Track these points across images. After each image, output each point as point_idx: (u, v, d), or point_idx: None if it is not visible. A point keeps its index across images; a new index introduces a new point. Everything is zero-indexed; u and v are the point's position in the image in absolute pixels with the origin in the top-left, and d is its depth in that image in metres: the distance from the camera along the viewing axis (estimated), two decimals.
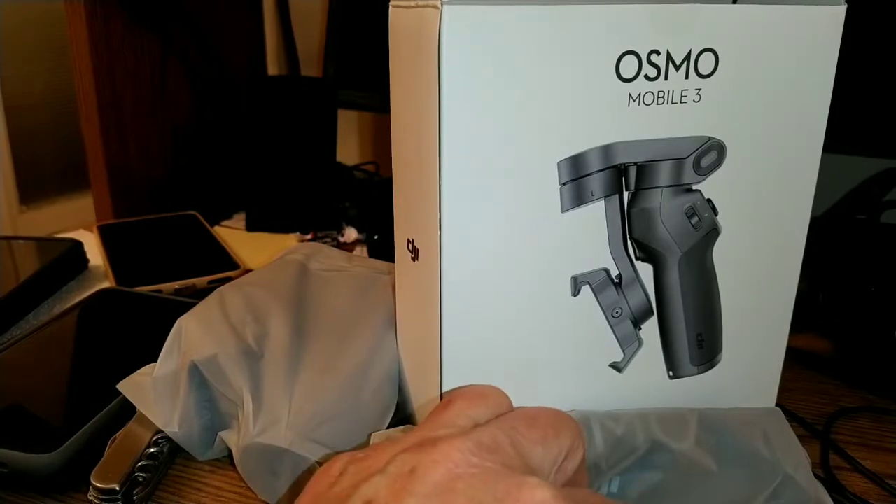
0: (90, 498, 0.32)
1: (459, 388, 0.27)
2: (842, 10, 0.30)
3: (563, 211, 0.28)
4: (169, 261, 0.59)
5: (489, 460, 0.21)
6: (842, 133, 0.47)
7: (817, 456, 0.36)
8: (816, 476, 0.33)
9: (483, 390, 0.25)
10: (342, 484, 0.20)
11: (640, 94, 0.28)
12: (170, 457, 0.35)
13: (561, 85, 0.26)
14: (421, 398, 0.33)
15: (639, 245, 0.30)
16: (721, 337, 0.33)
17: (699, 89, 0.28)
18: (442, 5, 0.24)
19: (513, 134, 0.26)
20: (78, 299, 0.50)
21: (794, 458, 0.30)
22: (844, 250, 0.50)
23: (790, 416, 0.38)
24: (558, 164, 0.27)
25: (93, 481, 0.31)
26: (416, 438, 0.22)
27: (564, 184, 0.28)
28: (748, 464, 0.30)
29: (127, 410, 0.35)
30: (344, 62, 0.78)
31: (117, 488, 0.31)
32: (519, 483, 0.20)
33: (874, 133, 0.54)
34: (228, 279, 0.54)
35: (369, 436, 0.32)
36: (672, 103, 0.28)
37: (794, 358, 0.44)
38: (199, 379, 0.33)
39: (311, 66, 0.91)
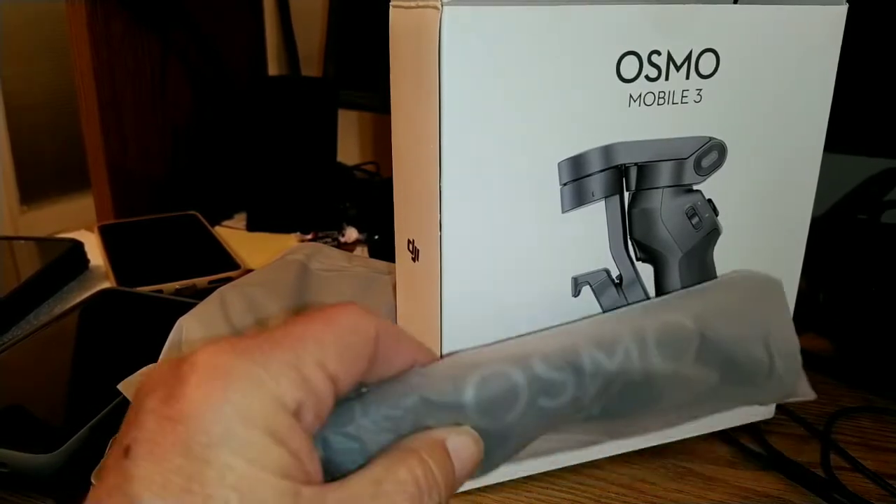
0: None
1: None
2: (843, 10, 0.30)
3: (563, 211, 0.28)
4: (169, 261, 0.59)
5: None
6: (842, 133, 0.47)
7: (818, 456, 0.36)
8: (817, 476, 0.33)
9: None
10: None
11: (640, 95, 0.28)
12: None
13: (561, 85, 0.26)
14: None
15: (639, 245, 0.30)
16: None
17: (700, 90, 0.28)
18: (442, 6, 0.24)
19: (513, 134, 0.26)
20: (78, 299, 0.50)
21: (790, 360, 0.28)
22: (845, 250, 0.50)
23: (790, 415, 0.38)
24: (559, 164, 0.27)
25: (93, 481, 0.31)
26: None
27: (565, 184, 0.28)
28: (748, 376, 0.28)
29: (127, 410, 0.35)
30: (344, 62, 0.78)
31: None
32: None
33: (874, 133, 0.54)
34: (229, 279, 0.54)
35: None
36: (673, 104, 0.28)
37: None
38: None
39: (311, 66, 0.91)
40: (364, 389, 0.22)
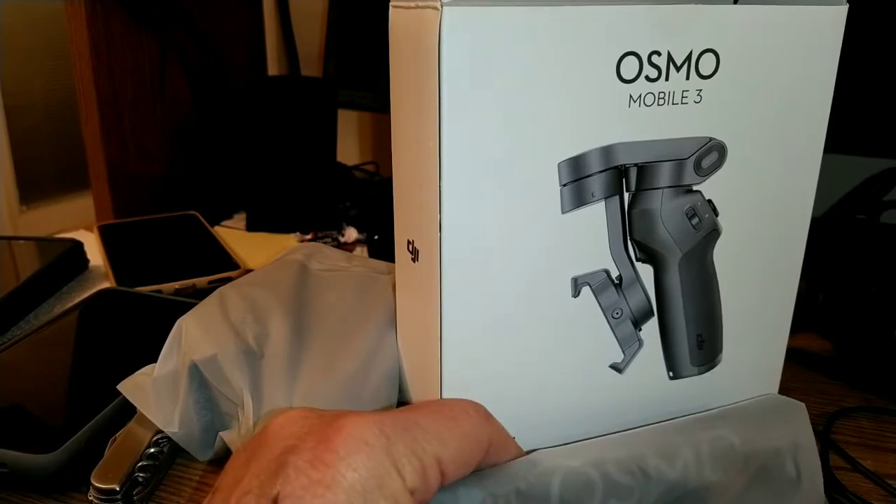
0: (90, 498, 0.32)
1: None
2: (843, 10, 0.30)
3: (563, 212, 0.28)
4: (169, 261, 0.59)
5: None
6: (842, 133, 0.47)
7: None
8: None
9: None
10: None
11: (640, 95, 0.28)
12: (170, 457, 0.35)
13: (561, 86, 0.26)
14: (421, 398, 0.33)
15: (639, 246, 0.30)
16: (721, 338, 0.33)
17: (700, 90, 0.28)
18: (442, 6, 0.24)
19: (513, 135, 0.26)
20: (78, 299, 0.50)
21: (815, 478, 0.31)
22: (844, 250, 0.50)
23: None
24: (559, 165, 0.27)
25: (93, 481, 0.31)
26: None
27: (565, 185, 0.28)
28: (778, 491, 0.30)
29: (127, 411, 0.35)
30: (344, 62, 0.78)
31: (117, 488, 0.31)
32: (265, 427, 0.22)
33: (874, 133, 0.54)
34: (228, 279, 0.54)
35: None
36: (673, 104, 0.28)
37: (795, 358, 0.44)
38: (199, 379, 0.33)
39: (311, 66, 0.91)
40: None
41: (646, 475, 0.28)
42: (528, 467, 0.26)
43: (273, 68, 0.91)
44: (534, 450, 0.27)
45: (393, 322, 0.36)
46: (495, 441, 0.24)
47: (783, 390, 0.35)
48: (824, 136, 0.31)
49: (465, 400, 0.25)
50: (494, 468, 0.25)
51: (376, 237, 0.65)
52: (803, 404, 0.32)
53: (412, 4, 0.27)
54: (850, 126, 0.53)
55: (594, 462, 0.27)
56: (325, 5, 0.80)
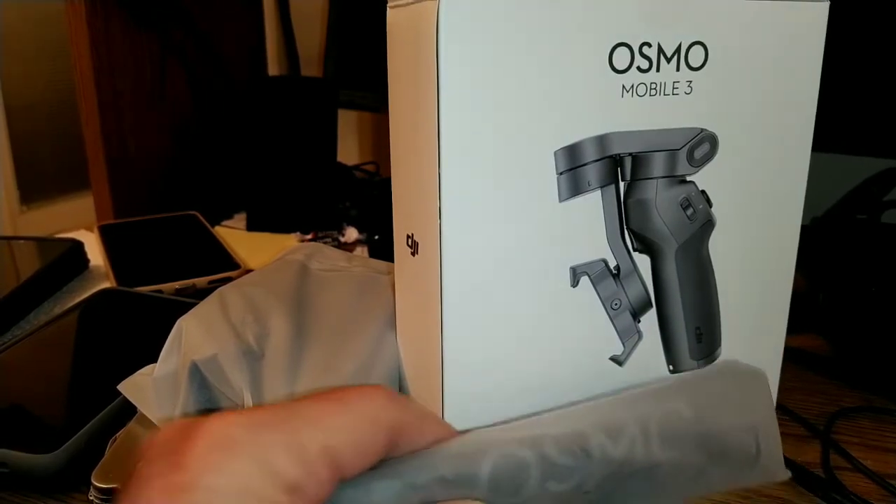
0: (91, 498, 0.32)
1: None
2: (825, 6, 0.30)
3: (560, 200, 0.28)
4: (169, 261, 0.59)
5: None
6: (842, 133, 0.47)
7: (818, 456, 0.36)
8: (817, 476, 0.33)
9: None
10: None
11: (633, 86, 0.28)
12: None
13: (557, 75, 0.27)
14: (422, 393, 0.33)
15: (636, 236, 0.30)
16: (720, 331, 0.33)
17: (690, 81, 0.29)
18: None
19: (511, 124, 0.27)
20: (78, 299, 0.50)
21: (774, 449, 0.30)
22: (845, 250, 0.51)
23: (791, 415, 0.38)
24: (555, 153, 0.28)
25: (93, 481, 0.31)
26: None
27: (561, 173, 0.28)
28: (737, 464, 0.30)
29: (127, 410, 0.35)
30: (344, 62, 0.78)
31: (118, 488, 0.31)
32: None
33: (874, 133, 0.54)
34: (229, 279, 0.54)
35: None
36: (664, 95, 0.28)
37: (795, 358, 0.44)
38: (199, 379, 0.33)
39: (311, 66, 0.91)
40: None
41: (588, 454, 0.25)
42: (455, 451, 0.24)
43: (273, 68, 0.91)
44: (467, 430, 0.25)
45: (393, 322, 0.36)
46: (405, 424, 0.22)
47: (784, 390, 0.35)
48: (812, 126, 0.32)
49: (370, 385, 0.22)
50: (414, 454, 0.23)
51: (376, 237, 0.65)
52: (764, 372, 0.31)
53: (410, 0, 0.27)
54: (850, 126, 0.53)
55: (530, 441, 0.25)
56: (325, 5, 0.80)
